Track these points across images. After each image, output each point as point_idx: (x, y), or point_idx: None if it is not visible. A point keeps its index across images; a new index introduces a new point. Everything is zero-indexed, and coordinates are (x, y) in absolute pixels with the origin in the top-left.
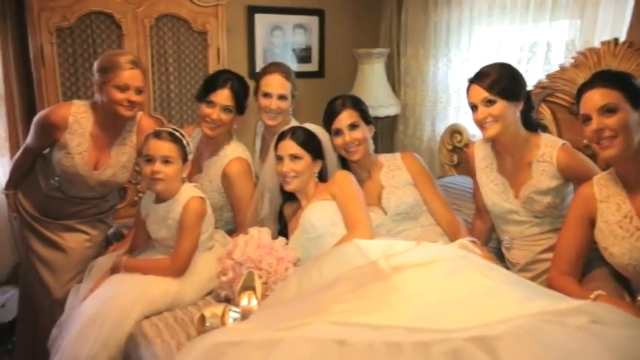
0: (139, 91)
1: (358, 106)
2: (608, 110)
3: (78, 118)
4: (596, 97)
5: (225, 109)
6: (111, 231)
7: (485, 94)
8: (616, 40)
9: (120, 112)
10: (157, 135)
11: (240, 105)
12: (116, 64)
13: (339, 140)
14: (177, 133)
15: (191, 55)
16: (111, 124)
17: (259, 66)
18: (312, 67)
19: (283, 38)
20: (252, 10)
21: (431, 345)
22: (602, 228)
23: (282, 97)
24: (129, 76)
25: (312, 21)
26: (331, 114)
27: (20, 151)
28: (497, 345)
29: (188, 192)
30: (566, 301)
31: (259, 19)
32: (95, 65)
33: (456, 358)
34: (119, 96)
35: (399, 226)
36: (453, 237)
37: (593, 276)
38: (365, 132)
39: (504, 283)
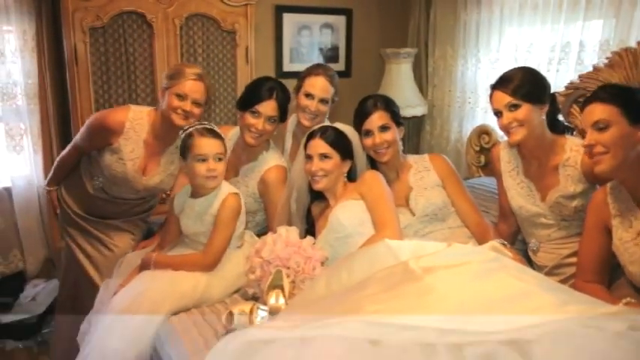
0: (196, 103)
1: (390, 107)
2: (601, 126)
3: (134, 124)
4: (593, 112)
5: (270, 119)
6: None
7: (509, 99)
8: None
9: (173, 119)
10: (203, 134)
11: (283, 114)
12: (181, 73)
13: (368, 141)
14: (217, 130)
15: (220, 54)
16: (165, 133)
17: (286, 65)
18: (339, 66)
19: (311, 38)
20: (280, 10)
21: (464, 347)
22: (618, 245)
23: (323, 101)
24: (189, 86)
25: (340, 20)
26: (362, 114)
27: (67, 149)
28: (533, 349)
29: (226, 188)
30: (603, 306)
31: (287, 18)
32: (164, 74)
33: None
34: (175, 103)
35: (426, 227)
36: (481, 239)
37: (622, 282)
38: (395, 134)
39: (538, 286)
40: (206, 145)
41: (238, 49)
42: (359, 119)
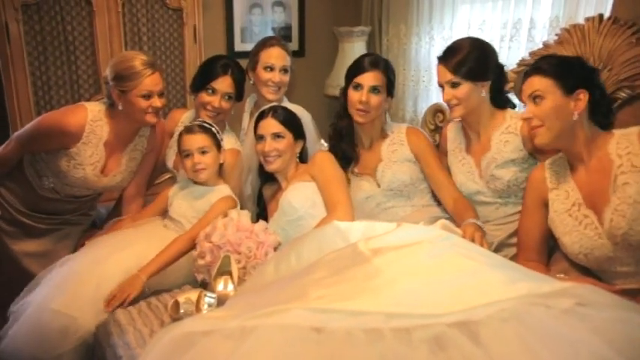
0: (160, 95)
1: (389, 73)
2: (535, 98)
3: (94, 127)
4: (530, 84)
5: (226, 95)
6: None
7: (450, 77)
8: (600, 17)
9: (146, 119)
10: (189, 130)
11: (239, 91)
12: (135, 72)
13: (355, 95)
14: (206, 125)
15: (166, 33)
16: (128, 132)
17: (238, 45)
18: (292, 46)
19: (262, 16)
20: None
21: (412, 331)
22: (554, 218)
23: (284, 70)
24: (150, 82)
25: None
26: (359, 68)
27: (6, 146)
28: (481, 330)
29: (227, 189)
30: (550, 283)
31: None
32: (109, 72)
33: (438, 344)
34: (143, 104)
35: (389, 201)
36: (459, 216)
37: (557, 256)
38: (382, 101)
39: (487, 264)
40: (188, 141)
41: (186, 28)
42: (354, 71)
